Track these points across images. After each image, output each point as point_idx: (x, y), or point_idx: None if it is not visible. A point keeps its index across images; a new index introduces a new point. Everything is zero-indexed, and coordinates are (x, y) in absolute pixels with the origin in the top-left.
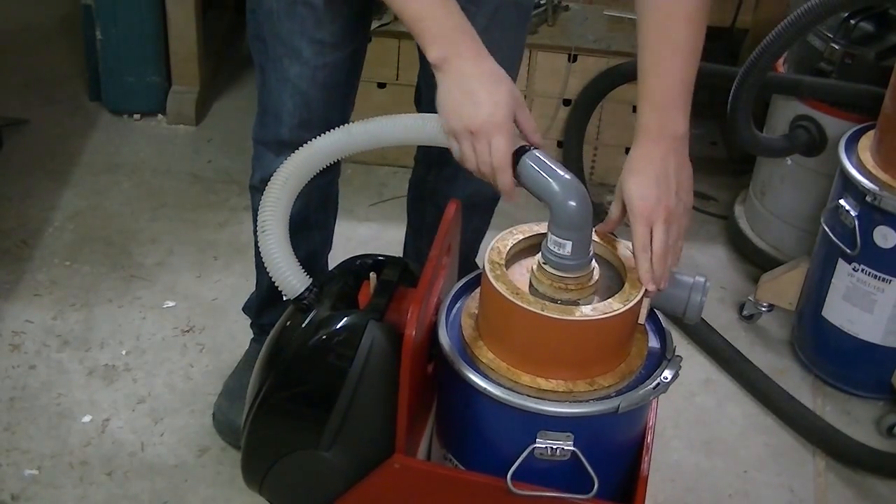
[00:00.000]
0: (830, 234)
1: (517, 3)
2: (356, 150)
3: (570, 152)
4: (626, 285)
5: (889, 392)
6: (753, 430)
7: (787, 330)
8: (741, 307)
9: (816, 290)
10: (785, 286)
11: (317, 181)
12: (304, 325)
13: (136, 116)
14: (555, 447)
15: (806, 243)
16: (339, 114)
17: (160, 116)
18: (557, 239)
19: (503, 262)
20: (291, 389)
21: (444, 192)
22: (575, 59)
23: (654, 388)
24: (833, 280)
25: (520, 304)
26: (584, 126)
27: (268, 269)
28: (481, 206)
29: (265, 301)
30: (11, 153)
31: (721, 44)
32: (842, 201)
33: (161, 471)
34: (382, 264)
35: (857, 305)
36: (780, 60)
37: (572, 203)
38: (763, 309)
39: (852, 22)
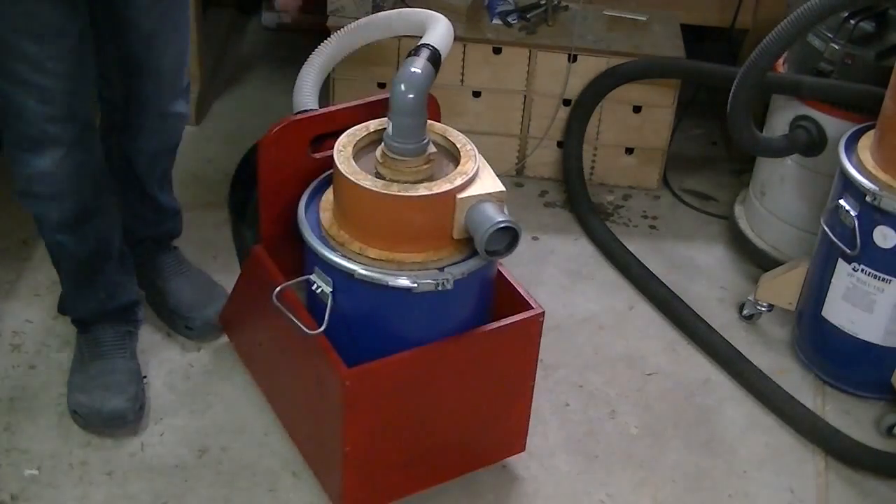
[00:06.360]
0: (830, 234)
1: None
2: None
3: (570, 152)
4: (456, 170)
5: (889, 392)
6: (753, 430)
7: (787, 330)
8: (741, 307)
9: (816, 290)
10: (785, 286)
11: (87, 169)
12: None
13: None
14: (320, 287)
15: (806, 243)
16: (81, 101)
17: None
18: (394, 125)
19: (350, 151)
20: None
21: (130, 148)
22: (575, 59)
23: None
24: (833, 280)
25: (359, 183)
26: (584, 126)
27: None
28: (167, 151)
29: (75, 286)
30: None
31: (721, 44)
32: (842, 201)
33: (161, 471)
34: None
35: (857, 305)
36: (780, 60)
37: (401, 88)
38: (763, 309)
39: (852, 22)
